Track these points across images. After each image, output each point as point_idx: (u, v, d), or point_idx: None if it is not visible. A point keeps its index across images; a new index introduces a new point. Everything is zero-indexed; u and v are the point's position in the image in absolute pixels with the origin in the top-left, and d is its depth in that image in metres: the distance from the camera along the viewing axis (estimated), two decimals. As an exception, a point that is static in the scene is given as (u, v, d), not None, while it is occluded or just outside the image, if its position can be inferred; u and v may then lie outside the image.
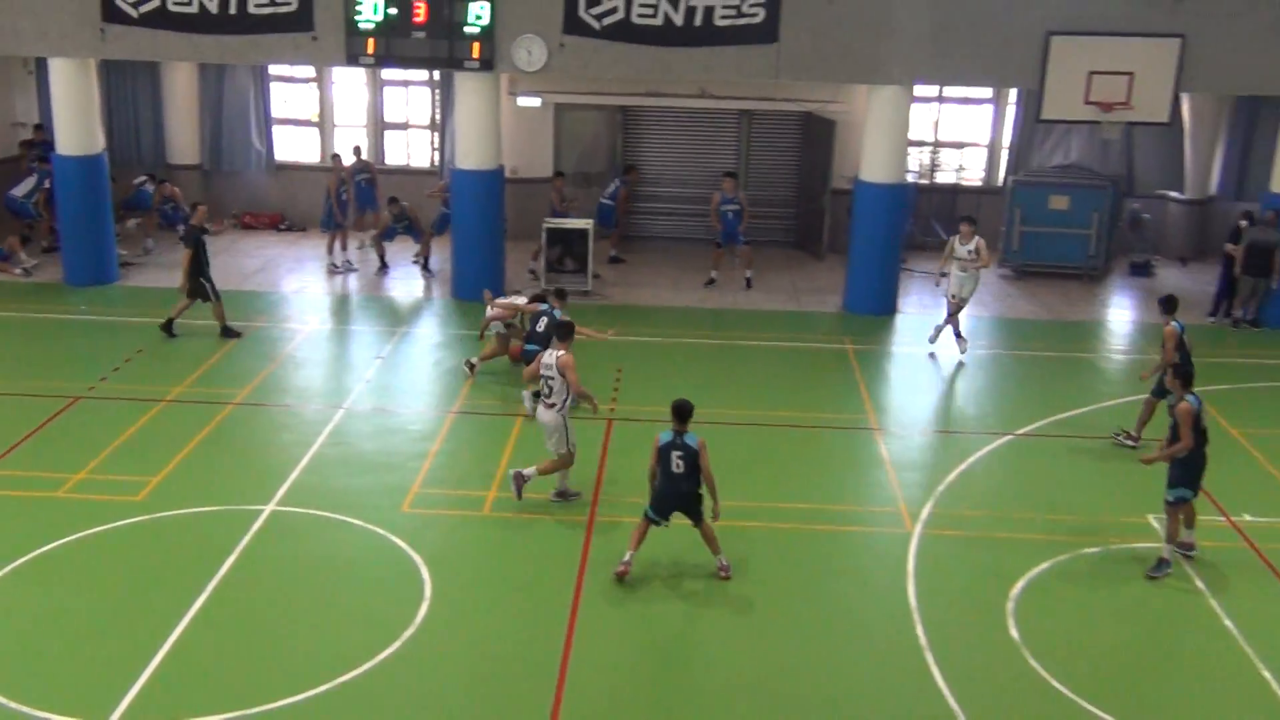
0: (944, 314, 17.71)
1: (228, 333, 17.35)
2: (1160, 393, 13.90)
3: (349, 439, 14.19)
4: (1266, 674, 9.98)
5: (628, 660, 10.08)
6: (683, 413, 10.91)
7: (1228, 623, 10.73)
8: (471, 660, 9.99)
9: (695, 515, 11.09)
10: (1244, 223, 19.48)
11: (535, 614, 10.63)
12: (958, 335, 17.55)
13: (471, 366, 15.99)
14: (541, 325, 14.85)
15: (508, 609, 10.74)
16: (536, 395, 12.95)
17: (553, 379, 12.24)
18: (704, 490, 10.97)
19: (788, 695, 9.62)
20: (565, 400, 12.28)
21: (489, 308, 16.22)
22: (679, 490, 10.97)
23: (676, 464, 10.88)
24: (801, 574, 11.47)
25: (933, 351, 17.74)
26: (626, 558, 11.13)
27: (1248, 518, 12.68)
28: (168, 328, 17.30)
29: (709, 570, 11.31)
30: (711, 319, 19.03)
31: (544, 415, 12.45)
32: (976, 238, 17.34)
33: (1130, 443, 14.28)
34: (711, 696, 9.59)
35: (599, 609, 10.72)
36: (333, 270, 21.03)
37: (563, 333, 12.53)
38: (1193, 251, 23.38)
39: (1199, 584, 11.37)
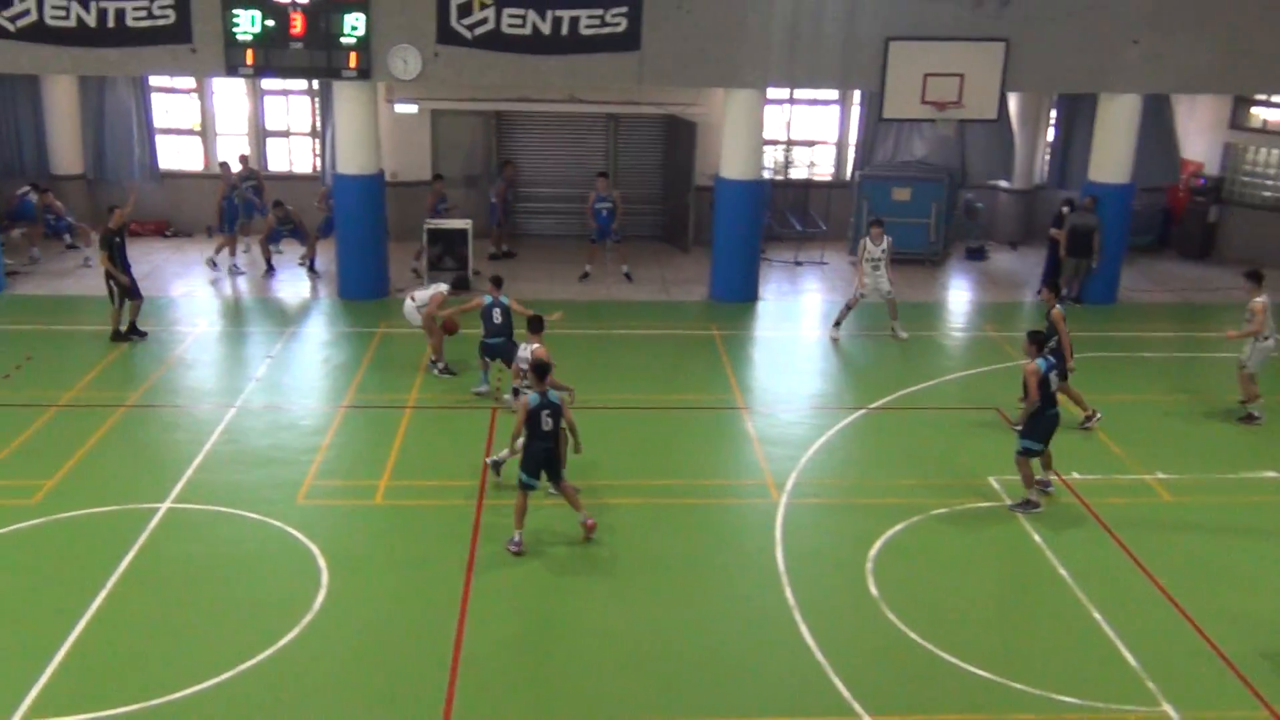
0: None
1: (119, 336, 16.81)
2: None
3: (242, 436, 13.86)
4: (1097, 616, 10.39)
5: (518, 634, 10.07)
6: (543, 371, 11.19)
7: (1063, 572, 11.14)
8: (369, 642, 9.87)
9: (556, 474, 11.36)
10: (1066, 209, 20.16)
11: (429, 594, 10.55)
12: (836, 324, 18.11)
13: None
14: (498, 317, 14.66)
15: (403, 591, 10.63)
16: (518, 392, 12.97)
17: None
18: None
19: (669, 658, 9.71)
20: None
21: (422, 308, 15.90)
22: (546, 448, 11.16)
23: (546, 422, 11.05)
24: (678, 545, 11.58)
25: (836, 337, 18.08)
26: (516, 538, 11.18)
27: (1076, 475, 13.17)
28: (134, 331, 16.98)
29: (592, 544, 11.36)
30: (588, 311, 19.03)
31: None
32: (886, 238, 17.74)
33: (1092, 422, 14.53)
34: (599, 664, 9.63)
35: (490, 586, 10.68)
36: (213, 267, 20.55)
37: (535, 326, 12.54)
38: (1021, 236, 24.14)
39: (1037, 538, 11.78)
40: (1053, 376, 12.21)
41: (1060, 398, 12.79)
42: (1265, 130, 22.86)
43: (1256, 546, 11.81)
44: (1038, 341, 12.28)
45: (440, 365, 15.84)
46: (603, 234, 20.43)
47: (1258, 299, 14.74)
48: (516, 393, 12.81)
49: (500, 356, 14.61)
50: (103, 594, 10.31)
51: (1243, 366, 15.02)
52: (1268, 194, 22.92)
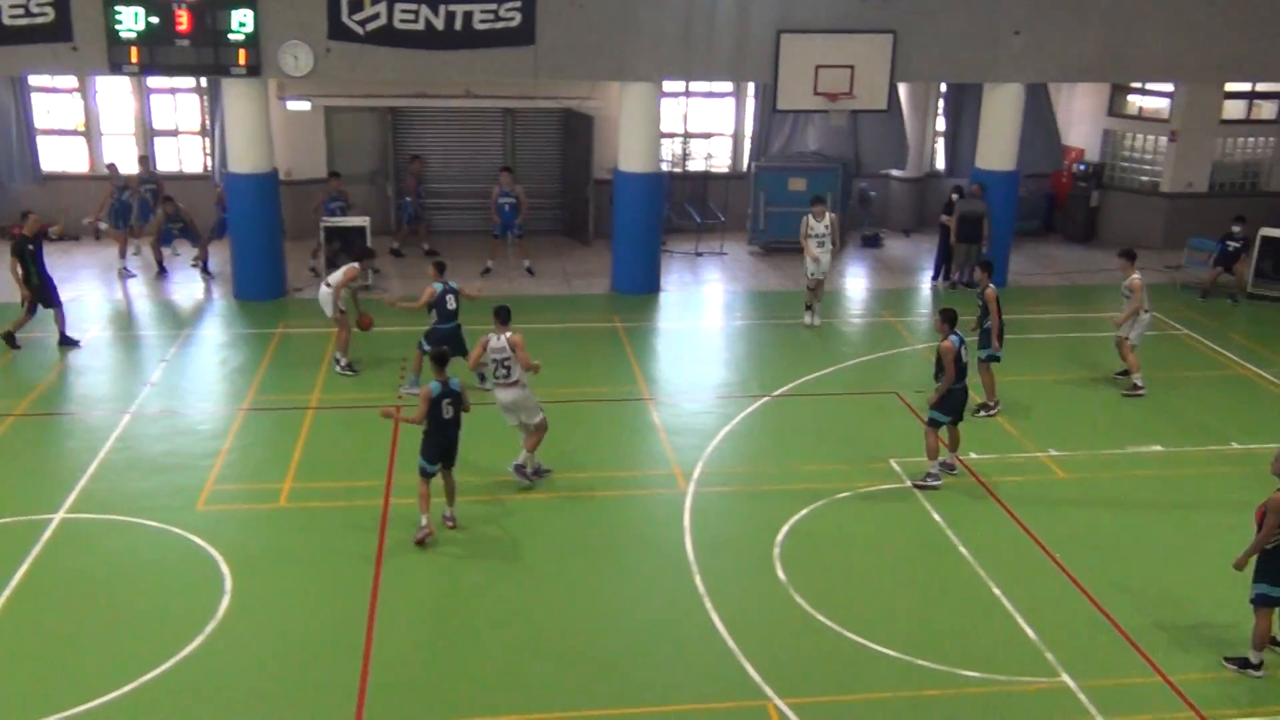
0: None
1: (9, 339, 16.28)
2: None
3: (137, 442, 13.45)
4: (997, 591, 10.64)
5: (429, 632, 9.95)
6: (443, 360, 11.28)
7: (963, 550, 11.38)
8: (276, 647, 9.66)
9: (451, 462, 11.43)
10: (955, 196, 20.57)
11: (338, 596, 10.37)
12: (809, 308, 18.15)
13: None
14: (451, 303, 14.57)
15: (310, 594, 10.44)
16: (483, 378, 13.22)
17: (508, 359, 12.07)
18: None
19: (581, 650, 9.69)
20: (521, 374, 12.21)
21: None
22: (448, 437, 11.23)
23: (447, 410, 11.12)
24: (588, 537, 11.56)
25: (813, 324, 18.13)
26: (423, 522, 11.20)
27: (973, 455, 13.44)
28: (65, 341, 16.43)
29: (502, 539, 11.29)
30: (491, 306, 18.82)
31: (509, 394, 12.24)
32: (829, 214, 17.97)
33: (990, 412, 14.66)
34: (511, 658, 9.56)
35: (400, 586, 10.55)
36: (124, 275, 20.00)
37: (505, 316, 12.36)
38: (914, 223, 24.57)
39: (937, 518, 12.00)
40: (963, 351, 12.53)
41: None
42: (1141, 117, 23.59)
43: (1146, 519, 12.20)
44: (950, 319, 12.58)
45: (343, 363, 15.57)
46: (505, 229, 20.27)
47: (1135, 275, 15.26)
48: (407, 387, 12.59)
49: (455, 343, 14.46)
50: (-5, 610, 9.95)
51: (1125, 340, 15.50)
52: (1145, 179, 23.66)
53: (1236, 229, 19.83)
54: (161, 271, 20.11)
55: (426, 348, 14.61)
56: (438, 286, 14.58)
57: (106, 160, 21.32)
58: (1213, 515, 12.21)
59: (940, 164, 24.77)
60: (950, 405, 12.60)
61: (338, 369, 15.56)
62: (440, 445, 11.24)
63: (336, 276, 15.43)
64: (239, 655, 9.50)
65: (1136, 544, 11.64)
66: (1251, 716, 9.03)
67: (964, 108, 23.60)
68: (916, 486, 12.57)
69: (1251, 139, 23.54)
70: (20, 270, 16.11)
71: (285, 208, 19.70)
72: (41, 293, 16.35)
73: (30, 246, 16.13)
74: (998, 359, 14.60)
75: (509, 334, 12.22)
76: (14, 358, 15.97)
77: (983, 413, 14.61)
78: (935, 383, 12.70)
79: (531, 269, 20.63)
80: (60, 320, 16.51)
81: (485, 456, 13.01)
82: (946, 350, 12.40)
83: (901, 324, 18.40)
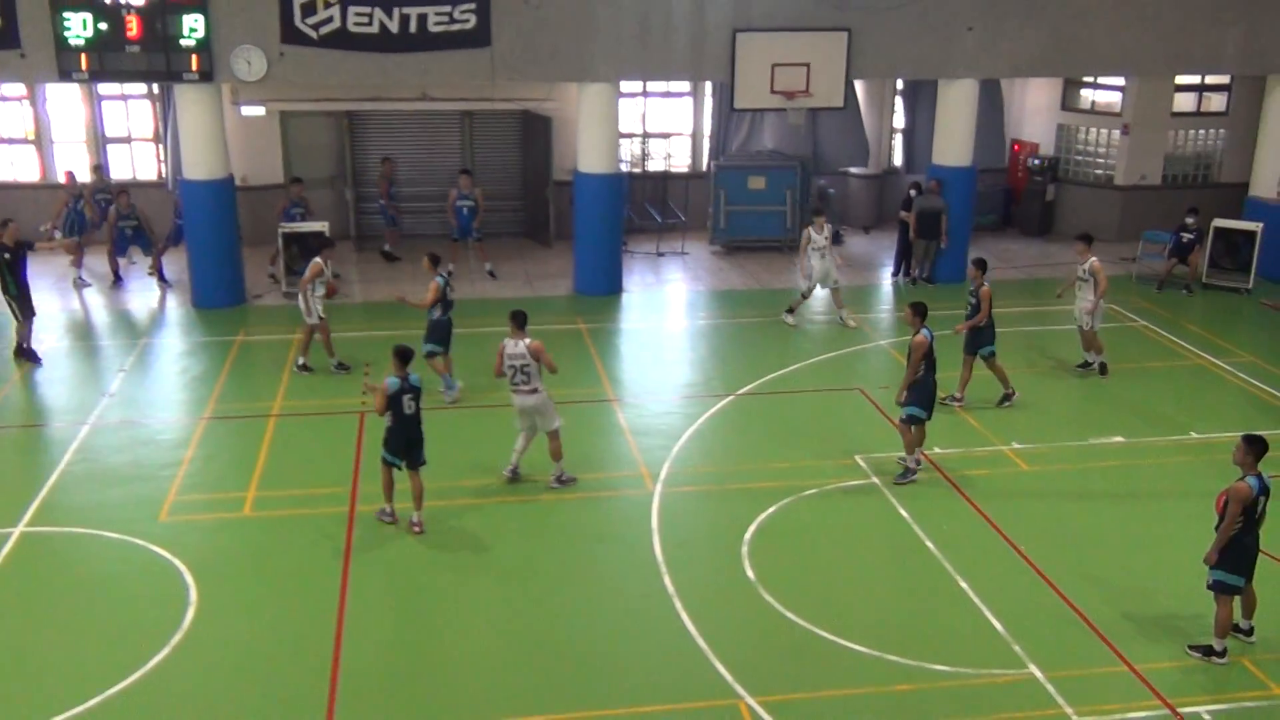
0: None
1: (29, 355, 16.05)
2: (972, 349, 14.82)
3: (97, 454, 13.27)
4: (964, 585, 10.70)
5: (398, 638, 9.88)
6: (405, 356, 11.25)
7: (929, 544, 11.44)
8: (244, 657, 9.56)
9: (415, 460, 11.49)
10: (913, 192, 20.70)
11: (304, 605, 10.28)
12: (790, 311, 18.21)
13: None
14: (450, 293, 14.75)
15: (277, 603, 10.34)
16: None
17: (527, 365, 11.96)
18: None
19: (551, 652, 9.66)
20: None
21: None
22: (409, 432, 11.34)
23: (408, 405, 11.23)
24: (556, 540, 11.53)
25: (793, 323, 18.16)
26: (388, 508, 11.56)
27: (937, 450, 13.52)
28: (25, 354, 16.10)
29: (469, 543, 11.24)
30: (467, 309, 18.73)
31: (529, 400, 12.13)
32: (828, 225, 18.06)
33: (955, 402, 14.84)
34: (481, 663, 9.52)
35: (367, 593, 10.47)
36: (80, 285, 19.68)
37: (521, 320, 12.23)
38: (873, 220, 24.69)
39: (903, 513, 12.06)
40: (933, 346, 12.60)
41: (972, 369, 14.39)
42: (1094, 111, 23.86)
43: (1110, 509, 12.33)
44: (921, 313, 12.64)
45: (300, 362, 15.52)
46: (464, 232, 20.17)
47: (1093, 259, 15.52)
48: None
49: (449, 334, 14.74)
50: (-46, 628, 9.77)
51: (1088, 327, 15.73)
52: (1099, 172, 23.92)
53: (1190, 220, 20.09)
54: (117, 280, 19.84)
55: (433, 347, 14.67)
56: (440, 279, 14.59)
57: (64, 168, 20.99)
58: (1175, 505, 12.36)
59: (898, 160, 24.91)
60: (926, 399, 12.61)
61: (296, 366, 15.62)
62: (402, 439, 11.31)
63: (305, 275, 15.46)
64: (205, 667, 9.38)
65: (1100, 535, 11.76)
66: (1217, 703, 9.14)
67: (919, 104, 23.78)
68: (898, 483, 12.60)
69: (1202, 131, 23.85)
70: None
71: (242, 214, 19.51)
72: (18, 302, 15.96)
73: (7, 255, 15.75)
74: (994, 354, 14.86)
75: (527, 340, 12.09)
76: (-33, 371, 15.71)
77: (1006, 403, 14.84)
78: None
79: (493, 272, 20.55)
80: (28, 333, 16.17)
81: (452, 459, 12.94)
82: (919, 345, 12.44)
83: (864, 320, 18.48)
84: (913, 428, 12.68)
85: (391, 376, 11.17)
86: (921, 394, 12.58)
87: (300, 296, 15.49)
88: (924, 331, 12.52)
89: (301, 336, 15.64)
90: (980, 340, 14.74)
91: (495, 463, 12.96)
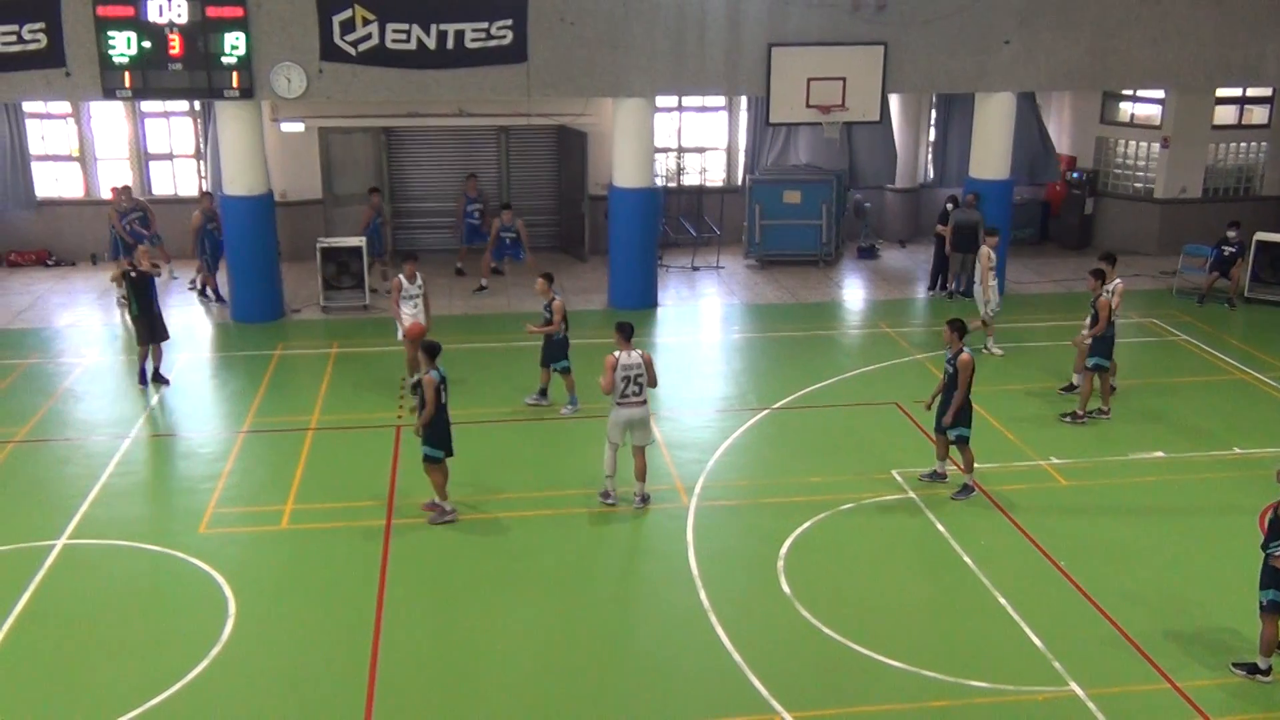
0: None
1: (156, 379, 15.91)
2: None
3: (138, 467, 13.42)
4: (1003, 601, 10.60)
5: (434, 653, 9.89)
6: (435, 350, 11.74)
7: (967, 559, 11.35)
8: (281, 670, 9.61)
9: (451, 449, 11.99)
10: (950, 205, 20.61)
11: (341, 618, 10.32)
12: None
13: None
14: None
15: (314, 617, 10.38)
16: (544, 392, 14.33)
17: (641, 375, 12.06)
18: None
19: (588, 667, 9.65)
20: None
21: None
22: (448, 420, 11.88)
23: (444, 395, 11.75)
24: (591, 554, 11.53)
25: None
26: (448, 506, 12.01)
27: (974, 464, 13.40)
28: (157, 377, 15.92)
29: (505, 556, 11.27)
30: (487, 323, 18.86)
31: (639, 412, 12.13)
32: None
33: (1103, 415, 14.80)
34: (518, 677, 9.52)
35: (403, 606, 10.50)
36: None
37: (629, 331, 12.30)
38: (909, 234, 24.60)
39: (941, 527, 11.97)
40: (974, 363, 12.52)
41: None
42: (1133, 124, 23.66)
43: (1150, 525, 12.18)
44: (961, 331, 12.48)
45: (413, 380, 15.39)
46: (471, 237, 20.19)
47: (1104, 292, 14.94)
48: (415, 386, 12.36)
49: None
50: (-2, 638, 9.90)
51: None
52: (1138, 185, 23.72)
53: (1231, 234, 19.89)
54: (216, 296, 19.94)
55: (566, 363, 14.82)
56: (558, 296, 14.82)
57: (118, 184, 21.30)
58: (1216, 521, 12.20)
59: (930, 174, 24.81)
60: (969, 417, 12.49)
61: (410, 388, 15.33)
62: (447, 427, 11.83)
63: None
64: (243, 679, 9.45)
65: (1141, 551, 11.62)
66: (1261, 721, 9.01)
67: (951, 118, 23.70)
68: (955, 499, 12.55)
69: (1244, 144, 23.61)
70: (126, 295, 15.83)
71: (281, 229, 19.70)
72: (143, 327, 15.69)
73: (134, 275, 15.56)
74: (1105, 367, 14.66)
75: (638, 351, 12.14)
76: (10, 385, 15.91)
77: (1100, 415, 14.79)
78: (942, 397, 12.59)
79: (485, 284, 20.65)
80: (157, 355, 15.91)
81: (487, 472, 13.00)
82: (967, 364, 12.29)
83: (900, 335, 18.39)
84: (967, 447, 12.59)
85: (433, 370, 11.53)
86: (967, 413, 12.49)
87: (397, 308, 15.49)
88: (967, 350, 12.41)
89: (408, 353, 15.18)
90: (1091, 350, 14.63)
91: (531, 474, 13.00)
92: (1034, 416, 14.87)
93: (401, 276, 15.60)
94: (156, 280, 15.94)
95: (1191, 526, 12.16)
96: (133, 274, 15.60)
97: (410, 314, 15.42)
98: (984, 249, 17.23)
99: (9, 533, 11.71)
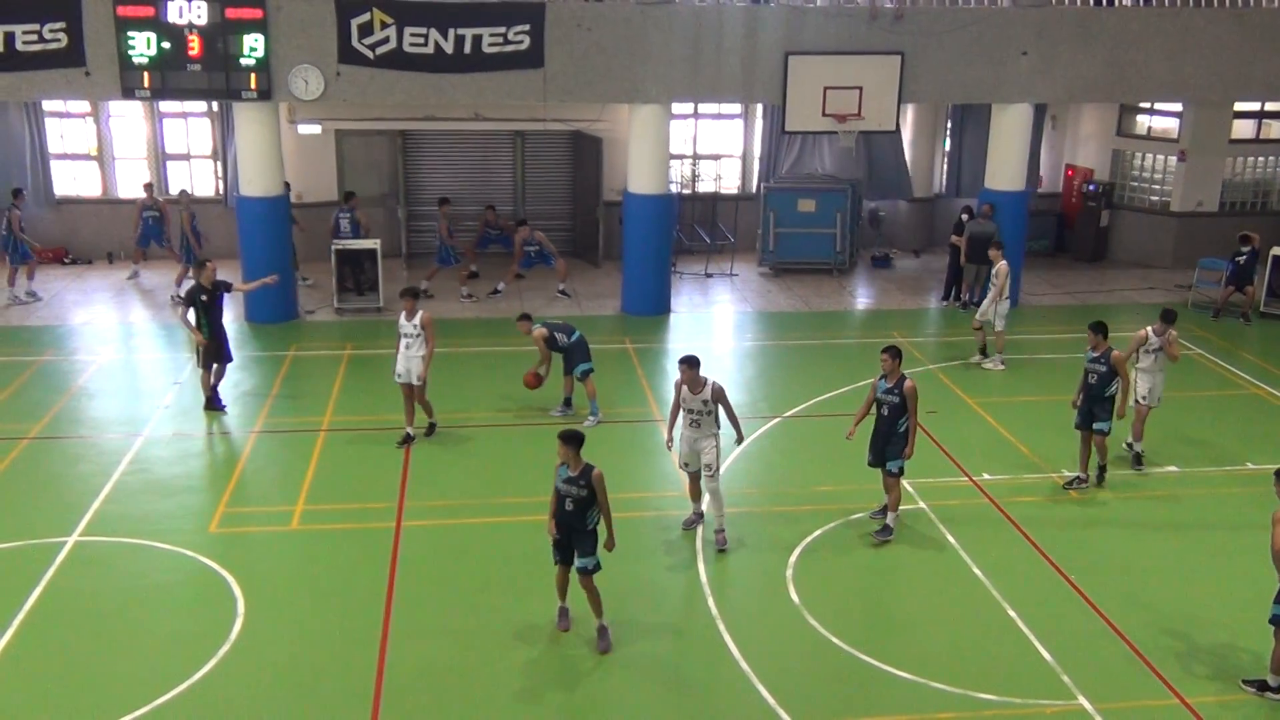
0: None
1: (211, 404, 15.09)
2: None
3: (150, 465, 13.45)
4: (1012, 613, 10.55)
5: (442, 657, 9.87)
6: (577, 440, 9.74)
7: (977, 571, 11.30)
8: (288, 671, 9.61)
9: (572, 556, 9.98)
10: (964, 216, 20.56)
11: (350, 620, 10.32)
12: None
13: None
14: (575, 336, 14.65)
15: (322, 618, 10.38)
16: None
17: (712, 409, 11.43)
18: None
19: (595, 675, 9.62)
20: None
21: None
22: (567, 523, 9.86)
23: (567, 503, 9.78)
24: (601, 558, 11.46)
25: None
26: (562, 605, 10.23)
27: (986, 476, 13.38)
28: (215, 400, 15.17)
29: (516, 560, 11.27)
30: (501, 328, 18.88)
31: (711, 444, 11.45)
32: (1000, 261, 17.13)
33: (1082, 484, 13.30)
34: (524, 684, 9.50)
35: (412, 610, 10.49)
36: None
37: (694, 361, 11.57)
38: (923, 243, 24.56)
39: (950, 539, 11.93)
40: None
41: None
42: (1150, 137, 23.59)
43: (1162, 540, 12.12)
44: (898, 356, 11.75)
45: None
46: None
47: (1002, 262, 16.78)
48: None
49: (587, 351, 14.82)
50: (9, 632, 9.92)
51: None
52: (1155, 198, 23.63)
53: (1244, 247, 19.80)
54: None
55: (588, 368, 14.62)
56: (537, 327, 14.64)
57: (144, 182, 21.53)
58: (1229, 536, 12.13)
59: (942, 185, 24.78)
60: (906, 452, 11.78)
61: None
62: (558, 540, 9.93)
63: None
64: (252, 678, 9.45)
65: (1152, 565, 11.56)
66: (1271, 739, 8.94)
67: (966, 129, 23.67)
68: (879, 540, 11.78)
69: (1261, 158, 23.51)
70: (194, 320, 14.72)
71: (296, 230, 19.75)
72: (211, 347, 14.87)
73: (204, 297, 14.73)
74: (1106, 432, 13.03)
75: (712, 380, 11.57)
76: (27, 381, 15.98)
77: (1080, 484, 13.24)
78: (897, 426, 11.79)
79: (566, 291, 20.66)
80: (218, 377, 15.15)
81: (504, 480, 12.99)
82: (912, 392, 11.63)
83: (913, 345, 18.33)
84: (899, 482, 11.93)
85: (562, 465, 9.77)
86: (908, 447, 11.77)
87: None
88: (909, 378, 11.73)
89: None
90: (1102, 414, 13.00)
91: (539, 479, 12.96)
92: (1045, 429, 14.80)
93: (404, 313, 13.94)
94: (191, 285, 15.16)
95: (1203, 541, 12.09)
96: (203, 297, 14.68)
97: (401, 355, 13.84)
98: (1002, 264, 17.13)
99: (21, 529, 11.76)
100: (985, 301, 17.32)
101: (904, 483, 13.08)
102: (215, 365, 15.05)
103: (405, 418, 14.04)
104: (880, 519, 12.10)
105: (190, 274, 19.05)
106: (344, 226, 19.91)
